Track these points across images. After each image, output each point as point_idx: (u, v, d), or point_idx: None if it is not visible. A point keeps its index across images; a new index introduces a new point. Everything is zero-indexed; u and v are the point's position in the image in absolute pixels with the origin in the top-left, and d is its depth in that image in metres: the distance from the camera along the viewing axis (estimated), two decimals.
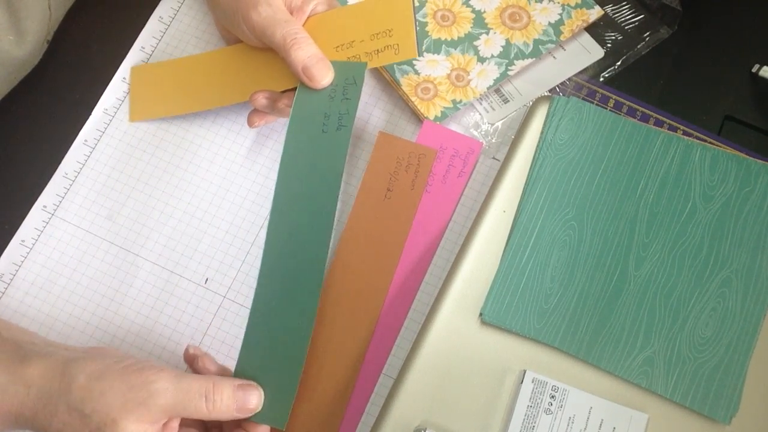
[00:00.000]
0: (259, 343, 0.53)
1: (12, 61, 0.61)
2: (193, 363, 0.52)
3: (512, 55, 0.64)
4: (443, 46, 0.64)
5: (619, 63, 0.65)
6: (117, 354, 0.50)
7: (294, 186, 0.56)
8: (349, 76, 0.56)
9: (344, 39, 0.55)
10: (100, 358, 0.48)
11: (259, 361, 0.53)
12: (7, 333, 0.51)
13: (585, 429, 0.53)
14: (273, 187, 0.62)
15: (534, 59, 0.64)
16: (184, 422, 0.50)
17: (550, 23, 0.64)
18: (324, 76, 0.55)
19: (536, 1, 0.65)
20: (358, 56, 0.55)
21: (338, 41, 0.55)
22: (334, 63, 0.56)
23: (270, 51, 0.57)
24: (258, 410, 0.50)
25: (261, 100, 0.58)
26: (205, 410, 0.47)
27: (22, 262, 0.61)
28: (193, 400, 0.47)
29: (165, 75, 0.64)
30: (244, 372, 0.52)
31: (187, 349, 0.53)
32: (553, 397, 0.54)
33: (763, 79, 0.64)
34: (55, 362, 0.48)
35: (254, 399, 0.49)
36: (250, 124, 0.60)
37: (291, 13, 0.57)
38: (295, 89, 0.57)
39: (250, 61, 0.58)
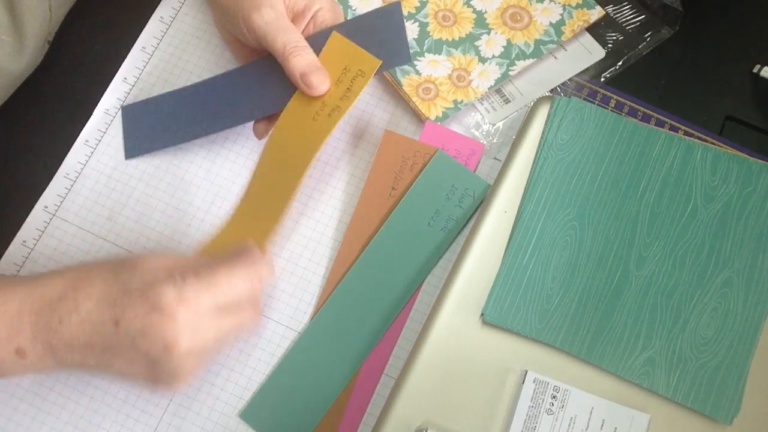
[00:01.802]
0: (288, 380, 0.57)
1: (14, 65, 0.60)
2: None
3: (513, 56, 0.64)
4: (444, 46, 0.64)
5: (620, 63, 0.65)
6: None
7: (383, 256, 0.59)
8: (470, 188, 0.59)
9: (315, 104, 0.56)
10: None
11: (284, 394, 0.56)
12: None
13: (586, 429, 0.53)
14: None
15: (535, 59, 0.64)
16: None
17: (551, 23, 0.64)
18: (321, 83, 0.55)
19: (537, 2, 0.65)
20: (337, 107, 0.55)
21: (313, 110, 0.56)
22: (461, 168, 0.60)
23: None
24: None
25: (261, 128, 0.59)
26: None
27: (24, 262, 0.61)
28: None
29: None
30: (270, 389, 0.56)
31: None
32: (554, 397, 0.53)
33: (763, 79, 0.64)
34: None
35: None
36: (260, 136, 0.60)
37: (293, 18, 0.57)
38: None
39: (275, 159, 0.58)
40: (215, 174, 0.63)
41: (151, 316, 0.45)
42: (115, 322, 0.46)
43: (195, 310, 0.46)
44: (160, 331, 0.45)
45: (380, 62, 0.56)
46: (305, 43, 0.56)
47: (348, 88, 0.55)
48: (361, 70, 0.55)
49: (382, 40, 0.56)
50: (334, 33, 0.57)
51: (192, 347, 0.46)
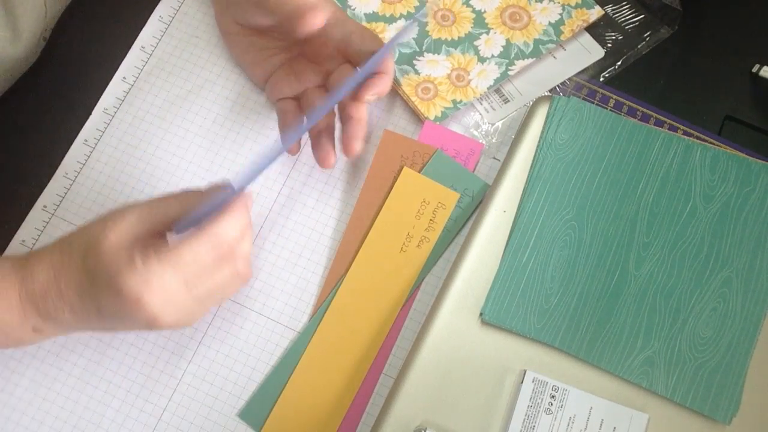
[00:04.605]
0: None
1: (8, 60, 0.60)
2: None
3: (512, 55, 0.64)
4: (443, 46, 0.64)
5: (619, 63, 0.65)
6: None
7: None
8: (469, 187, 0.60)
9: (400, 236, 0.59)
10: None
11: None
12: None
13: (585, 429, 0.53)
14: (272, 187, 0.62)
15: (534, 59, 0.64)
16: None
17: (550, 23, 0.64)
18: (317, 16, 0.54)
19: (536, 1, 0.65)
20: (424, 237, 0.59)
21: (399, 242, 0.59)
22: (460, 168, 0.60)
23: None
24: None
25: (289, 107, 0.59)
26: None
27: None
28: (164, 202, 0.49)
29: None
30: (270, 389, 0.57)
31: None
32: (553, 397, 0.54)
33: (763, 79, 0.64)
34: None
35: None
36: (293, 152, 0.61)
37: None
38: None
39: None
40: (214, 174, 0.63)
41: (123, 305, 0.47)
42: (98, 310, 0.48)
43: (161, 291, 0.47)
44: (137, 315, 0.47)
45: (458, 195, 0.60)
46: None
47: (431, 220, 0.59)
48: (441, 203, 0.59)
49: None
50: (405, 168, 0.60)
51: (175, 318, 0.48)
